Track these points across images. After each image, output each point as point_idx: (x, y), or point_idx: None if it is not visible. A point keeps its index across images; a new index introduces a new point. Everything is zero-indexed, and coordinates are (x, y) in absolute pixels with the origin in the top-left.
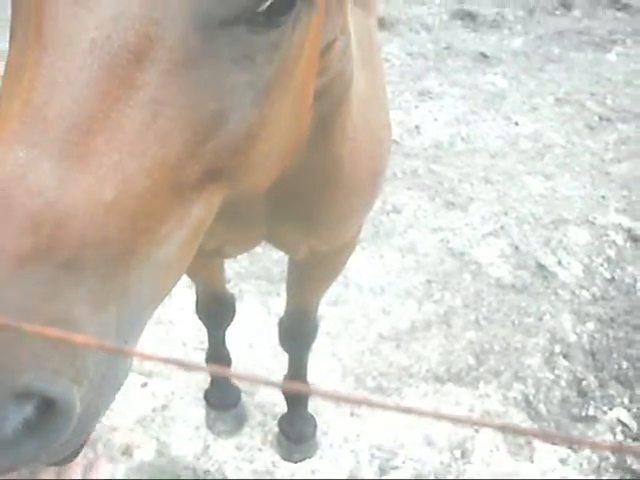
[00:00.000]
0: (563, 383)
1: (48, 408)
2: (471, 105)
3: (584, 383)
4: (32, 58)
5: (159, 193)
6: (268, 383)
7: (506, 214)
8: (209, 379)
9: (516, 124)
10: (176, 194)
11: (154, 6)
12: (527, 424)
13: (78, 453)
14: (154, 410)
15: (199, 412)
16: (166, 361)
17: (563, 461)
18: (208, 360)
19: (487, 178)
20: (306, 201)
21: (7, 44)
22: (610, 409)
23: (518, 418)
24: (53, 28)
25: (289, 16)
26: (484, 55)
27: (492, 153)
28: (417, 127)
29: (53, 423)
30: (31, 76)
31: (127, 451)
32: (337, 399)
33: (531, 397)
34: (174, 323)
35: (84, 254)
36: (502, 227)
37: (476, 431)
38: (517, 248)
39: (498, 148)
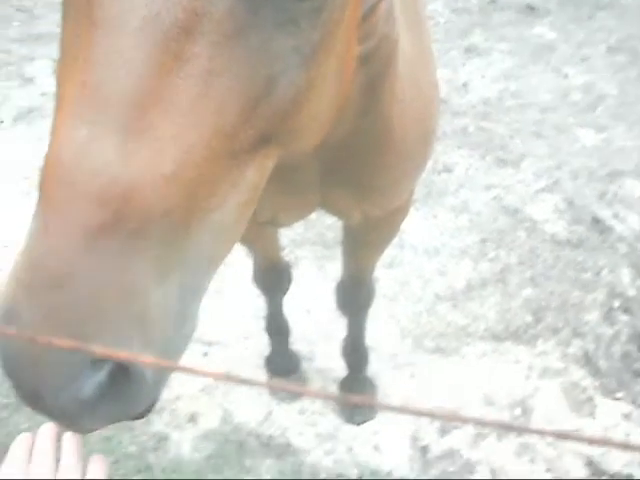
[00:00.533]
0: (623, 338)
1: (121, 374)
2: (519, 59)
3: None
4: (85, 39)
5: (216, 161)
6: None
7: (559, 168)
8: (269, 346)
9: (566, 76)
10: (231, 160)
11: None
12: (587, 381)
13: (152, 408)
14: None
15: (261, 379)
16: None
17: (626, 416)
18: (267, 328)
19: (538, 133)
20: (358, 166)
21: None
22: None
23: (578, 375)
24: (104, 9)
25: None
26: (530, 7)
27: (542, 107)
28: (465, 84)
29: (128, 388)
30: (85, 56)
31: (192, 419)
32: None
33: (591, 353)
34: (232, 292)
35: (148, 225)
36: (556, 182)
37: (536, 389)
38: (572, 203)
39: (548, 102)
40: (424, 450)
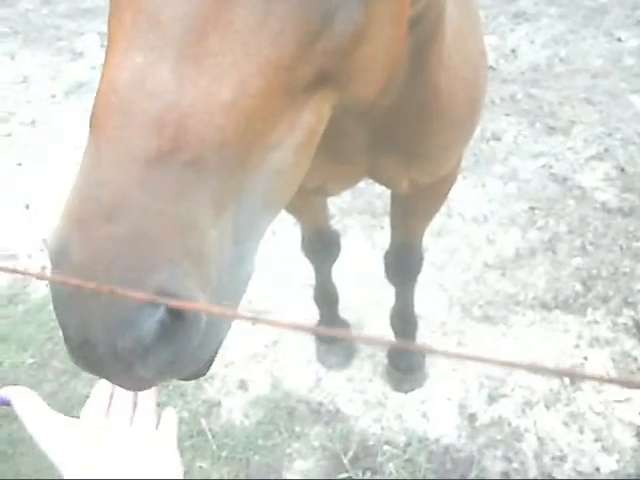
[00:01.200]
0: None
1: (178, 313)
2: (569, 24)
3: None
4: None
5: (273, 94)
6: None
7: (610, 135)
8: (318, 314)
9: (619, 40)
10: (289, 96)
11: None
12: (638, 350)
13: (208, 368)
14: (266, 346)
15: (310, 346)
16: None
17: None
18: (316, 297)
19: (589, 99)
20: (406, 133)
21: None
22: None
23: (629, 344)
24: None
25: None
26: None
27: (593, 73)
28: (513, 51)
29: (184, 327)
30: None
31: (243, 386)
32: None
33: None
34: (281, 261)
35: (205, 154)
36: (606, 149)
37: (585, 358)
38: (623, 170)
39: (600, 67)
40: (472, 418)
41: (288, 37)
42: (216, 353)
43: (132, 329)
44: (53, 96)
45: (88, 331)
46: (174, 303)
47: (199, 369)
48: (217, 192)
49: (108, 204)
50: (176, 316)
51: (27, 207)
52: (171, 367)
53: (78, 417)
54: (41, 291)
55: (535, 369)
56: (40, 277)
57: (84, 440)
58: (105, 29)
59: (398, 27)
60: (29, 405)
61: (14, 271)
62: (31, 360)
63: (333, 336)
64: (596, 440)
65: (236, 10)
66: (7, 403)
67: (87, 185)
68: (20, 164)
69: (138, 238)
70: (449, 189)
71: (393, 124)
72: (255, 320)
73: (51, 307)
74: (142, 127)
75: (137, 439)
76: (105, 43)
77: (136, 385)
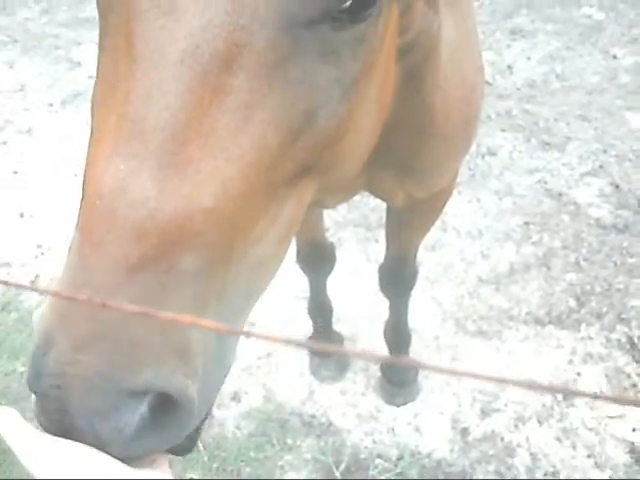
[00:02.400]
0: None
1: (165, 404)
2: (566, 40)
3: None
4: (124, 71)
5: (255, 195)
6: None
7: (605, 152)
8: (312, 327)
9: (614, 57)
10: (271, 194)
11: (241, 13)
12: (631, 367)
13: (196, 441)
14: (259, 358)
15: (303, 359)
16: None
17: None
18: (310, 309)
19: (584, 116)
20: (402, 150)
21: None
22: None
23: (622, 360)
24: (143, 40)
25: (373, 10)
26: None
27: (589, 89)
28: (509, 67)
29: (175, 418)
30: (125, 89)
31: (235, 397)
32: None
33: (635, 339)
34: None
35: (186, 260)
36: (601, 166)
37: (579, 374)
38: (617, 187)
39: (595, 84)
40: (464, 432)
41: (270, 139)
42: (201, 429)
43: (114, 420)
44: (50, 105)
45: (68, 415)
46: (184, 320)
47: (187, 445)
48: (199, 292)
49: (91, 305)
50: (164, 408)
51: (21, 215)
52: (154, 448)
53: None
54: (34, 299)
55: (528, 386)
56: (32, 289)
57: (67, 456)
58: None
59: (381, 104)
60: (10, 424)
61: (4, 282)
62: (22, 368)
63: (326, 350)
64: (589, 456)
65: (217, 117)
66: None
67: (72, 285)
68: (16, 172)
69: (121, 338)
70: (444, 203)
71: (389, 141)
72: (249, 334)
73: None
74: (124, 234)
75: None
76: None
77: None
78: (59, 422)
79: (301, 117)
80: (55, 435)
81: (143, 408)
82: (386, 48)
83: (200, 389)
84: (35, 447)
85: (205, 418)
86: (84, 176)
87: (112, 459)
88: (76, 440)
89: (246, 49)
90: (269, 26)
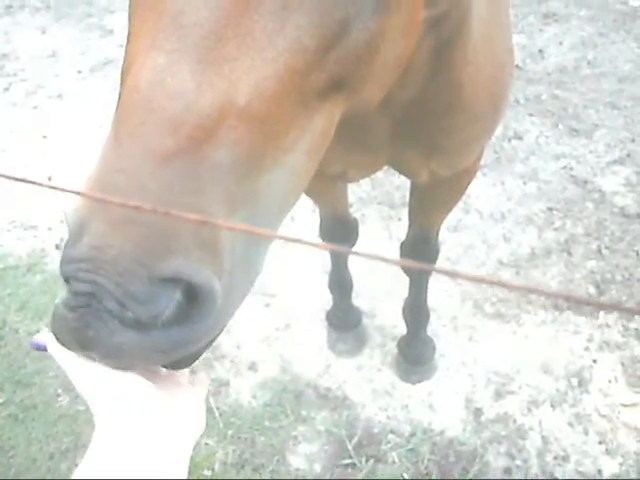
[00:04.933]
0: None
1: (193, 295)
2: (599, 27)
3: None
4: None
5: (288, 98)
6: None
7: (633, 141)
8: (331, 301)
9: None
10: (302, 101)
11: None
12: None
13: (207, 348)
14: (277, 329)
15: (321, 332)
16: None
17: None
18: (330, 283)
19: (614, 104)
20: (428, 126)
21: None
22: None
23: (638, 350)
24: None
25: None
26: None
27: (620, 77)
28: (541, 51)
29: (199, 309)
30: None
31: (252, 367)
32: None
33: None
34: (297, 246)
35: (219, 153)
36: (629, 155)
37: (594, 361)
38: None
39: (627, 72)
40: (477, 412)
41: (304, 44)
42: (216, 337)
43: (143, 302)
44: (80, 71)
45: (99, 288)
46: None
47: (199, 350)
48: (230, 190)
49: (125, 191)
50: (191, 298)
51: (49, 179)
52: (185, 345)
53: None
54: (58, 262)
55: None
56: (76, 193)
57: (118, 381)
58: None
59: (409, 36)
60: (66, 351)
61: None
62: (46, 329)
63: (344, 324)
64: (600, 442)
65: (255, 18)
66: (43, 348)
67: (106, 172)
68: (45, 136)
69: (152, 225)
70: (469, 182)
71: (415, 117)
72: (276, 236)
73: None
74: (161, 124)
75: (171, 389)
76: None
77: (125, 359)
78: (87, 307)
79: (335, 26)
80: (79, 325)
81: (172, 295)
82: None
83: (225, 288)
84: (88, 371)
85: (226, 322)
86: (122, 70)
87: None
88: (101, 327)
89: None
90: None
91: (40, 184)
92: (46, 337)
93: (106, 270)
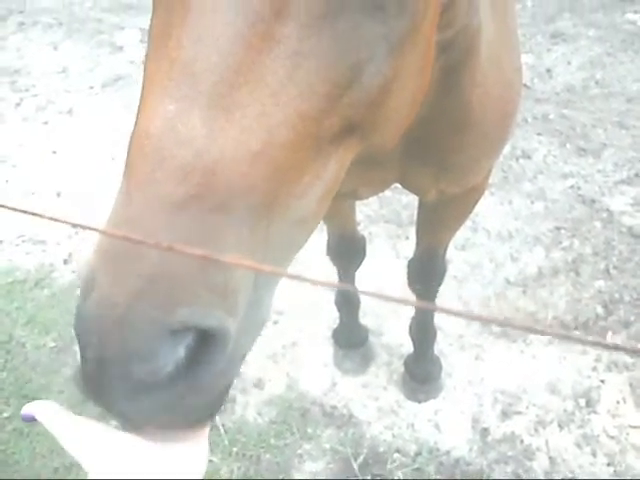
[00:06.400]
0: None
1: (204, 339)
2: (607, 47)
3: None
4: (177, 20)
5: (300, 145)
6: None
7: None
8: (338, 318)
9: None
10: (315, 147)
11: None
12: None
13: (224, 399)
14: (284, 347)
15: (327, 350)
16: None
17: None
18: (337, 301)
19: (622, 123)
20: (437, 145)
21: None
22: None
23: None
24: None
25: None
26: None
27: (629, 97)
28: (549, 71)
29: (209, 352)
30: (177, 35)
31: (259, 384)
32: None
33: None
34: (304, 264)
35: (231, 201)
36: (637, 174)
37: (602, 381)
38: None
39: (635, 92)
40: (484, 432)
41: (317, 90)
42: (226, 394)
43: (152, 360)
44: (91, 87)
45: (105, 351)
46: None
47: (206, 409)
48: (241, 236)
49: (132, 245)
50: (201, 344)
51: (58, 195)
52: (195, 394)
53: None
54: (67, 277)
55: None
56: (88, 228)
57: (110, 443)
58: (145, 25)
59: (423, 77)
60: (54, 417)
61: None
62: (52, 344)
63: (351, 342)
64: (608, 464)
65: (267, 63)
66: (32, 419)
67: (117, 223)
68: (55, 152)
69: (160, 277)
70: (477, 201)
71: (424, 136)
72: (288, 276)
73: (75, 293)
74: (171, 172)
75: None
76: (145, 39)
77: (141, 418)
78: (97, 369)
79: (348, 71)
80: (96, 384)
81: (182, 346)
82: (430, 18)
83: (238, 330)
84: (77, 434)
85: (238, 367)
86: (135, 119)
87: (149, 442)
88: (113, 386)
89: None
90: None
91: (58, 220)
92: (34, 407)
93: (112, 332)
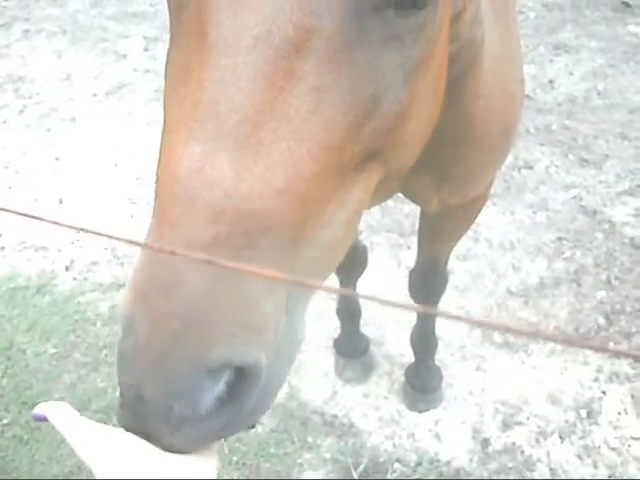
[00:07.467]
0: None
1: (239, 376)
2: (609, 58)
3: None
4: (198, 59)
5: (325, 176)
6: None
7: None
8: (339, 327)
9: None
10: (339, 176)
11: None
12: None
13: (258, 419)
14: None
15: (328, 359)
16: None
17: None
18: (338, 310)
19: (624, 134)
20: (439, 155)
21: None
22: None
23: None
24: (216, 30)
25: None
26: (626, 4)
27: (631, 108)
28: (551, 82)
29: (244, 387)
30: (198, 76)
31: None
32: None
33: None
34: None
35: (259, 239)
36: (639, 185)
37: (604, 393)
38: None
39: (637, 103)
40: (485, 443)
41: (338, 122)
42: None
43: (191, 398)
44: (94, 95)
45: (144, 390)
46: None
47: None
48: (272, 269)
49: (168, 283)
50: (237, 380)
51: (61, 202)
52: (231, 425)
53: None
54: (68, 283)
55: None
56: (135, 243)
57: (120, 447)
58: (149, 34)
59: (437, 97)
60: (65, 418)
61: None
62: (53, 350)
63: (352, 351)
64: (610, 476)
65: (289, 100)
66: (44, 419)
67: (150, 264)
68: (57, 158)
69: (195, 317)
70: (478, 211)
71: (427, 146)
72: (324, 289)
73: (76, 300)
74: (202, 214)
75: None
76: (149, 47)
77: (185, 446)
78: (137, 415)
79: (367, 101)
80: (136, 429)
81: (219, 383)
82: (442, 42)
83: (273, 361)
84: (87, 435)
85: (276, 393)
86: (158, 163)
87: (158, 449)
88: (154, 423)
89: (315, 34)
90: (337, 11)
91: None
92: (46, 408)
93: (151, 375)
